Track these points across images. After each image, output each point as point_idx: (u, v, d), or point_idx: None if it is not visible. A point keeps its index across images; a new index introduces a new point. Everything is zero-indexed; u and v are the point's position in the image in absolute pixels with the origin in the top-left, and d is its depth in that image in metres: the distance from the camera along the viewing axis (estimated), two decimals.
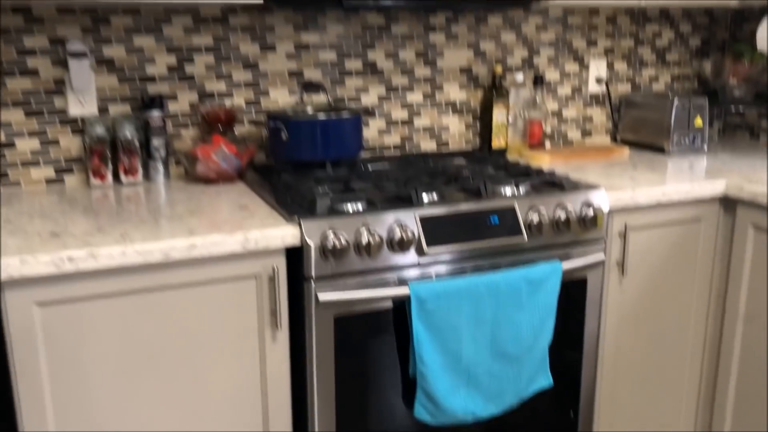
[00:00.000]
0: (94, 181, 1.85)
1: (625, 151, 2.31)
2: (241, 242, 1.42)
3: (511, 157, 2.26)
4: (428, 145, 2.26)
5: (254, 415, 1.54)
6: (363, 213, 1.52)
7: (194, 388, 1.47)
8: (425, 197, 1.62)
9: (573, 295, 1.76)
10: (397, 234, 1.51)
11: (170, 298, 1.41)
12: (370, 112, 1.91)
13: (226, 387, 1.50)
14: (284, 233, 1.45)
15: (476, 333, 1.58)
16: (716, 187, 1.87)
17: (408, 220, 1.54)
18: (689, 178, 1.91)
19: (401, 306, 1.56)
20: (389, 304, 1.56)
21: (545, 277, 1.62)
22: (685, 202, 1.87)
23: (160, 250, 1.36)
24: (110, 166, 1.85)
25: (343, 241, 1.46)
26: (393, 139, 2.20)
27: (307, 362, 1.53)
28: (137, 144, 1.86)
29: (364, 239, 1.48)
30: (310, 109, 1.81)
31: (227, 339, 1.48)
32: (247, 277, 1.47)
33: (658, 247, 1.88)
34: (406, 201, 1.61)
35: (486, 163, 2.00)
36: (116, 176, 1.88)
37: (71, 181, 1.88)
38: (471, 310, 1.56)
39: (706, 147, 2.33)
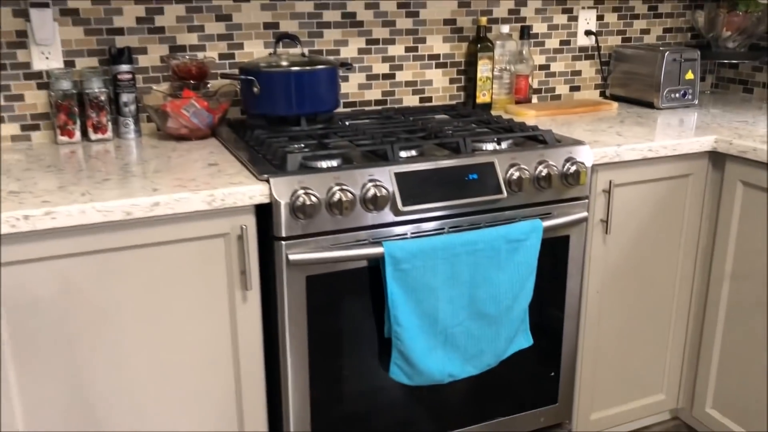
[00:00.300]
0: (62, 138, 1.78)
1: (614, 106, 2.25)
2: (207, 200, 1.37)
3: (496, 112, 2.20)
4: (411, 100, 2.19)
5: (226, 378, 1.51)
6: (336, 170, 1.46)
7: (163, 350, 1.44)
8: (402, 153, 1.57)
9: (555, 254, 1.71)
10: (371, 191, 1.45)
11: (134, 258, 1.36)
12: (347, 65, 1.84)
13: (197, 349, 1.47)
14: (252, 191, 1.40)
15: (453, 293, 1.54)
16: (704, 142, 1.82)
17: (383, 177, 1.48)
18: (677, 134, 1.86)
19: (376, 266, 1.51)
20: (364, 263, 1.51)
21: (525, 235, 1.58)
22: (673, 157, 1.81)
23: (121, 208, 1.31)
24: (78, 122, 1.79)
25: (314, 199, 1.41)
26: (374, 93, 2.13)
27: (279, 324, 1.49)
28: (106, 99, 1.79)
29: (336, 197, 1.42)
30: (285, 62, 1.74)
31: (196, 300, 1.44)
32: (214, 236, 1.42)
33: (643, 204, 1.83)
34: (382, 157, 1.55)
35: (469, 118, 1.93)
36: (85, 133, 1.81)
37: (38, 137, 1.82)
38: (448, 269, 1.52)
39: (696, 101, 2.26)
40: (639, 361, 1.99)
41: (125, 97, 1.82)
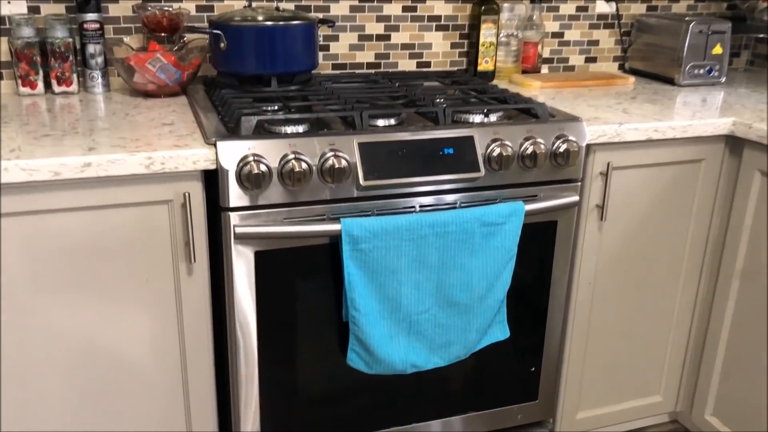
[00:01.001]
0: (23, 89, 1.68)
1: (630, 81, 2.06)
2: (145, 163, 1.25)
3: (500, 81, 2.03)
4: (407, 65, 2.03)
5: (172, 357, 1.41)
6: (292, 136, 1.33)
7: (99, 327, 1.33)
8: (380, 122, 1.42)
9: (540, 240, 1.56)
10: (329, 162, 1.32)
11: (65, 222, 1.26)
12: (329, 23, 1.69)
13: (137, 326, 1.36)
14: (197, 155, 1.27)
15: (419, 278, 1.41)
16: (721, 124, 1.63)
17: (345, 147, 1.34)
18: (692, 114, 1.67)
19: (337, 243, 1.38)
20: (323, 240, 1.38)
21: (503, 218, 1.43)
22: (684, 140, 1.63)
23: (48, 167, 1.20)
24: (41, 73, 1.68)
25: (264, 168, 1.28)
26: (366, 56, 1.98)
27: (226, 301, 1.38)
28: (71, 50, 1.68)
29: (289, 166, 1.29)
30: (257, 16, 1.60)
31: (137, 271, 1.33)
32: (156, 202, 1.30)
33: (646, 190, 1.65)
34: (351, 125, 1.41)
35: (462, 86, 1.77)
36: (49, 85, 1.71)
37: (2, 87, 1.72)
38: (413, 252, 1.38)
39: (723, 79, 2.06)
40: (634, 360, 1.83)
41: (92, 48, 1.70)
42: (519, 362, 1.65)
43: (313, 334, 1.45)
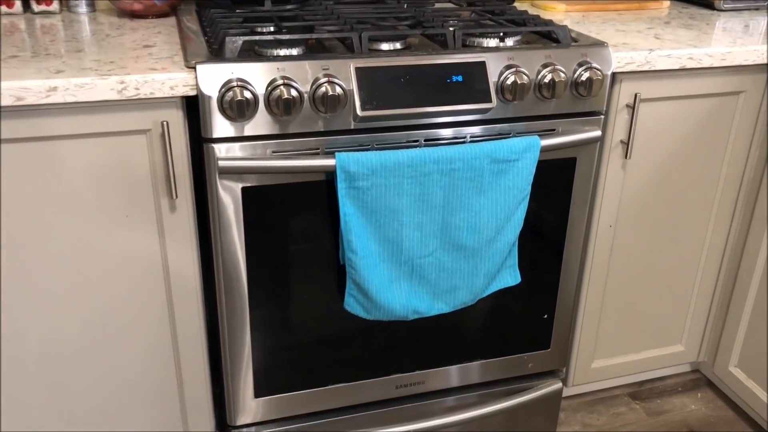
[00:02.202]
0: None
1: (665, 5, 1.87)
2: (117, 88, 1.13)
3: (521, 4, 1.85)
4: None
5: (158, 299, 1.31)
6: (282, 59, 1.19)
7: (75, 271, 1.24)
8: (384, 46, 1.28)
9: (557, 178, 1.42)
10: (322, 89, 1.18)
11: (34, 151, 1.15)
12: None
13: (121, 266, 1.27)
14: (174, 79, 1.15)
15: (422, 219, 1.29)
16: (764, 52, 1.45)
17: (341, 73, 1.21)
18: (733, 40, 1.50)
19: (333, 180, 1.26)
20: (318, 176, 1.26)
21: (516, 155, 1.29)
22: (721, 69, 1.47)
23: (9, 92, 1.08)
24: None
25: (248, 95, 1.15)
26: None
27: (212, 241, 1.27)
28: None
29: (277, 93, 1.16)
30: None
31: (116, 207, 1.23)
32: (133, 132, 1.19)
33: (677, 124, 1.50)
34: (349, 48, 1.27)
35: (479, 8, 1.61)
36: (28, 4, 1.57)
37: None
38: (416, 190, 1.26)
39: None
40: (655, 307, 1.71)
41: None
42: (530, 309, 1.54)
43: (307, 277, 1.35)
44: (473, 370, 1.56)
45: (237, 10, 1.46)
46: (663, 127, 1.49)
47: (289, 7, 1.48)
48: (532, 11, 1.76)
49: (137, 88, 1.13)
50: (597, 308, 1.65)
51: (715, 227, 1.65)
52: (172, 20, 1.55)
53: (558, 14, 1.75)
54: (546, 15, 1.73)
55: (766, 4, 1.85)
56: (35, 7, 1.56)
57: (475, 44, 1.34)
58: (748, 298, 1.66)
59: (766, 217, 1.57)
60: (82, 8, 1.60)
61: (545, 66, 1.30)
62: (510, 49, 1.30)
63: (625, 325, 1.71)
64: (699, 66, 1.42)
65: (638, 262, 1.63)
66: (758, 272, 1.62)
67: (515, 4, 1.85)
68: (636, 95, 1.41)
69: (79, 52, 1.26)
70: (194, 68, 1.16)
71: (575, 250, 1.51)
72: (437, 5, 1.62)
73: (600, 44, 1.36)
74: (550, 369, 1.63)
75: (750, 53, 1.45)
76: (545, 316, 1.56)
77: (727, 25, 1.67)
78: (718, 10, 1.84)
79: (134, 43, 1.33)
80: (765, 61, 1.46)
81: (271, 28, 1.40)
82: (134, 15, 1.56)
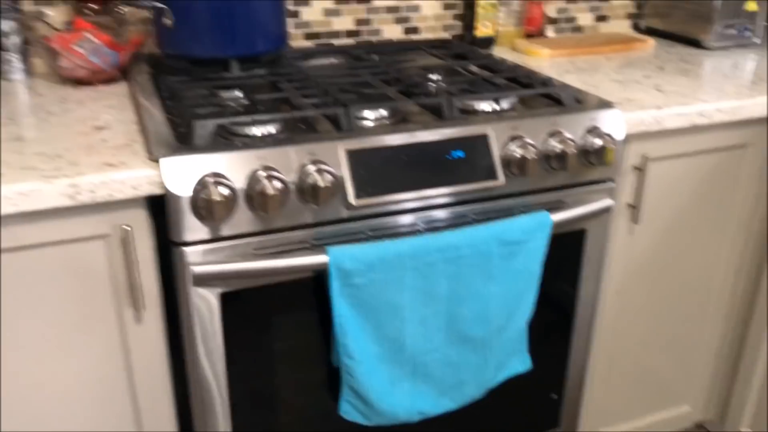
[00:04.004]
0: None
1: (650, 44, 1.78)
2: (68, 192, 0.95)
3: (501, 49, 1.73)
4: (392, 31, 1.72)
5: (125, 422, 1.13)
6: (261, 143, 1.03)
7: (38, 392, 1.05)
8: (368, 113, 1.14)
9: (566, 253, 1.30)
10: (310, 179, 1.03)
11: None
12: None
13: (81, 387, 1.08)
14: (137, 178, 0.97)
15: (426, 312, 1.14)
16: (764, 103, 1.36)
17: (330, 156, 1.05)
18: (737, 89, 1.40)
19: (324, 277, 1.11)
20: (307, 274, 1.10)
21: (526, 235, 1.16)
22: (729, 123, 1.37)
23: None
24: None
25: (227, 191, 0.99)
26: (344, 22, 1.66)
27: (186, 355, 1.10)
28: None
29: (259, 188, 1.00)
30: None
31: (72, 323, 1.04)
32: (89, 238, 1.01)
33: (684, 183, 1.40)
34: (332, 120, 1.12)
35: (464, 61, 1.47)
36: None
37: None
38: (419, 283, 1.11)
39: (759, 40, 1.78)
40: (661, 369, 1.60)
41: (5, 25, 1.37)
42: (538, 389, 1.41)
43: (297, 387, 1.18)
44: None
45: (200, 77, 1.29)
46: (670, 187, 1.38)
47: (258, 72, 1.31)
48: (513, 56, 1.64)
49: (92, 191, 0.96)
50: (604, 376, 1.53)
51: (722, 284, 1.55)
52: (122, 87, 1.37)
53: (543, 60, 1.63)
54: (530, 61, 1.61)
55: (757, 41, 1.77)
56: None
57: (472, 110, 1.20)
58: (759, 356, 1.56)
59: None
60: (17, 75, 1.41)
61: (552, 135, 1.17)
62: (513, 117, 1.17)
63: (631, 388, 1.59)
64: (710, 122, 1.32)
65: (645, 325, 1.52)
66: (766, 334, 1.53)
67: (495, 46, 1.74)
68: (644, 156, 1.30)
69: (18, 141, 1.07)
70: (159, 162, 0.99)
71: (585, 325, 1.38)
72: (419, 60, 1.48)
73: (607, 105, 1.24)
74: None
75: (757, 106, 1.35)
76: (555, 397, 1.43)
77: (720, 67, 1.58)
78: (706, 48, 1.75)
79: (83, 124, 1.15)
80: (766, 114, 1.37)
81: (239, 94, 1.24)
82: (79, 82, 1.37)
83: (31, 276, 0.99)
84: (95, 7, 1.39)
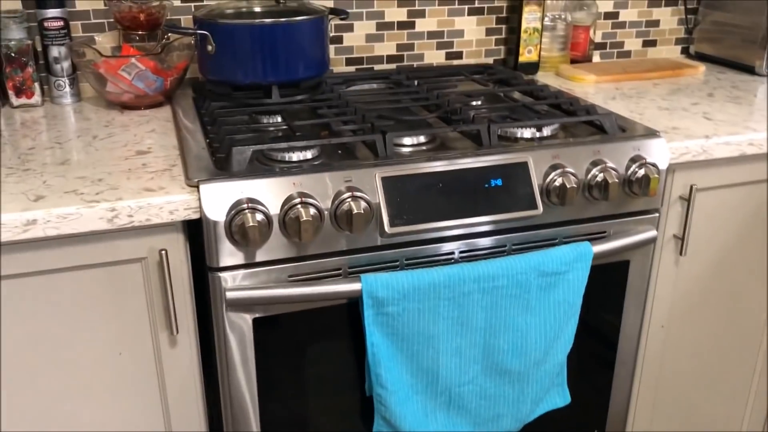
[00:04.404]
0: None
1: (700, 71, 1.73)
2: (107, 216, 0.96)
3: (545, 74, 1.71)
4: (434, 56, 1.72)
5: None
6: (297, 169, 1.03)
7: (67, 415, 1.07)
8: (407, 140, 1.13)
9: (608, 284, 1.26)
10: (345, 206, 1.02)
11: (13, 289, 0.98)
12: (341, 13, 1.37)
13: (116, 409, 1.09)
14: (174, 203, 0.98)
15: (461, 343, 1.12)
16: None
17: (365, 182, 1.05)
18: None
19: (357, 302, 1.10)
20: (341, 301, 1.09)
21: (566, 266, 1.13)
22: None
23: None
24: None
25: (262, 217, 0.99)
26: (386, 47, 1.67)
27: (219, 380, 1.10)
28: (30, 54, 1.38)
29: (293, 214, 1.00)
30: (252, 11, 1.29)
31: (108, 344, 1.05)
32: (127, 261, 1.02)
33: (732, 215, 1.35)
34: (369, 147, 1.12)
35: (506, 88, 1.46)
36: (7, 97, 1.42)
37: None
38: (454, 313, 1.09)
39: None
40: (708, 406, 1.54)
41: (56, 51, 1.41)
42: (579, 424, 1.37)
43: (329, 413, 1.17)
44: None
45: (241, 103, 1.30)
46: (718, 218, 1.34)
47: (298, 97, 1.32)
48: (557, 82, 1.62)
49: (130, 215, 0.97)
50: (648, 413, 1.47)
51: None
52: (166, 111, 1.39)
53: (588, 86, 1.60)
54: (575, 87, 1.59)
55: None
56: (14, 101, 1.41)
57: (512, 137, 1.19)
58: None
59: None
60: (67, 99, 1.44)
61: (595, 164, 1.15)
62: (554, 145, 1.15)
63: (676, 426, 1.53)
64: (759, 152, 1.27)
65: (691, 360, 1.47)
66: None
67: (539, 72, 1.72)
68: (692, 187, 1.26)
69: (62, 165, 1.09)
70: (197, 187, 0.99)
71: (628, 360, 1.34)
72: (460, 86, 1.46)
73: (652, 134, 1.21)
74: None
75: None
76: None
77: None
78: (759, 74, 1.70)
79: (125, 149, 1.17)
80: None
81: (279, 119, 1.25)
82: (125, 106, 1.40)
83: (71, 296, 1.01)
84: (141, 33, 1.42)
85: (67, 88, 1.44)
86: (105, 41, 1.46)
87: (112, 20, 1.45)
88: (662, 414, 1.50)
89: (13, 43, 1.37)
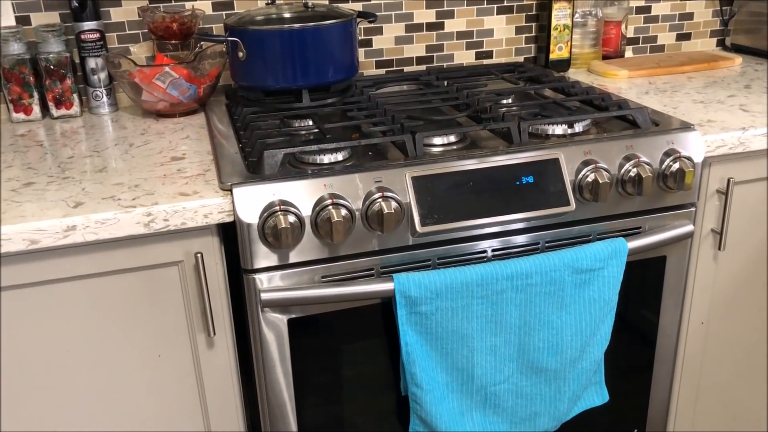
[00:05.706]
0: (16, 115, 1.44)
1: (736, 62, 1.70)
2: (143, 221, 0.98)
3: (577, 71, 1.70)
4: (464, 56, 1.72)
5: None
6: (328, 171, 1.04)
7: (106, 414, 1.09)
8: (437, 140, 1.14)
9: (644, 281, 1.24)
10: (376, 206, 1.03)
11: (53, 294, 1.01)
12: (370, 16, 1.38)
13: (155, 409, 1.11)
14: (209, 206, 1.00)
15: (496, 342, 1.12)
16: None
17: (396, 182, 1.05)
18: None
19: (390, 301, 1.10)
20: (374, 300, 1.10)
21: (601, 262, 1.12)
22: None
23: (22, 235, 0.95)
24: (36, 95, 1.43)
25: (294, 219, 1.00)
26: (415, 49, 1.67)
27: (256, 380, 1.11)
28: (69, 66, 1.42)
29: (325, 215, 1.01)
30: (281, 16, 1.31)
31: (147, 346, 1.08)
32: (163, 265, 1.04)
33: None
34: (399, 148, 1.12)
35: (537, 85, 1.45)
36: (47, 108, 1.46)
37: None
38: (488, 311, 1.09)
39: None
40: (750, 403, 1.51)
41: (93, 63, 1.45)
42: (618, 423, 1.35)
43: (364, 412, 1.18)
44: None
45: (273, 108, 1.32)
46: (757, 211, 1.31)
47: (329, 101, 1.33)
48: (589, 78, 1.61)
49: (166, 220, 0.99)
50: (689, 410, 1.45)
51: None
52: (200, 118, 1.41)
53: (621, 81, 1.58)
54: (607, 82, 1.57)
55: None
56: (54, 112, 1.45)
57: (543, 134, 1.18)
58: None
59: None
60: (104, 109, 1.48)
61: (628, 159, 1.13)
62: (585, 141, 1.14)
63: (717, 424, 1.50)
64: None
65: (732, 357, 1.44)
66: None
67: (571, 69, 1.71)
68: (729, 180, 1.24)
69: (101, 172, 1.12)
70: (230, 191, 1.01)
71: (667, 358, 1.32)
72: (489, 85, 1.46)
73: (686, 127, 1.19)
74: None
75: None
76: None
77: None
78: None
79: (161, 156, 1.19)
80: None
81: (310, 122, 1.27)
82: (160, 114, 1.43)
83: (110, 300, 1.03)
84: (175, 42, 1.45)
85: (105, 98, 1.47)
86: (140, 51, 1.49)
87: (146, 30, 1.48)
88: (704, 414, 1.47)
89: (52, 56, 1.41)
